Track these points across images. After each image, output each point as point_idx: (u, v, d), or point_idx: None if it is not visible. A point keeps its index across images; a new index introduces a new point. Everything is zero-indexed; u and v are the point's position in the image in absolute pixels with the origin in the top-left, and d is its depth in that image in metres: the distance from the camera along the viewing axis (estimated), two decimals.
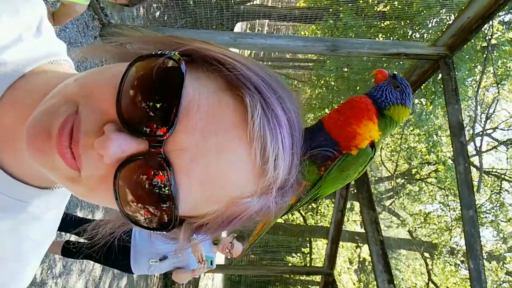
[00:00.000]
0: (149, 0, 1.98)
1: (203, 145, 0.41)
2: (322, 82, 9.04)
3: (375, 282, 4.22)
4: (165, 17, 6.28)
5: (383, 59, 6.41)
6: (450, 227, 10.84)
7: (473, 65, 6.83)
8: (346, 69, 7.70)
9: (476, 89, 7.87)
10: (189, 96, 0.41)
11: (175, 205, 0.42)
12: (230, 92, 0.44)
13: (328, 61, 7.59)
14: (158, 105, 0.41)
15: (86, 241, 3.23)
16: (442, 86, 3.54)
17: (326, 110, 8.55)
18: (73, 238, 3.46)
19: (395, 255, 13.89)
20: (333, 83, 8.66)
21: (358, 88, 7.54)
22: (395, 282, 4.13)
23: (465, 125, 3.34)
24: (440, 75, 3.93)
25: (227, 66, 0.44)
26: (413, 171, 11.45)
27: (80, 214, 3.95)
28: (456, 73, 3.74)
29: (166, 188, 0.42)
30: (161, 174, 0.41)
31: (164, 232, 0.46)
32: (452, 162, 8.59)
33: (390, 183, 13.09)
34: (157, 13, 6.05)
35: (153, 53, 0.43)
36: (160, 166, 0.41)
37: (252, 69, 0.45)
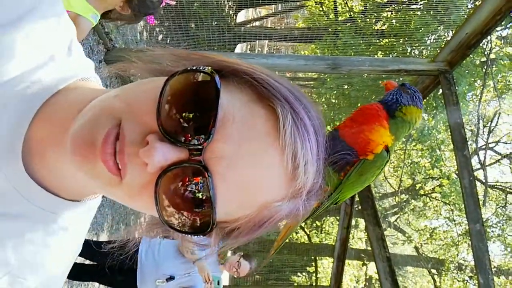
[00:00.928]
0: (156, 10, 1.97)
1: (239, 152, 0.44)
2: (323, 99, 9.11)
3: None
4: (168, 40, 6.40)
5: (384, 76, 6.48)
6: (457, 242, 10.71)
7: (473, 79, 6.89)
8: (346, 87, 7.77)
9: (477, 103, 7.91)
10: (224, 108, 0.44)
11: (213, 209, 0.45)
12: (261, 103, 0.47)
13: (328, 79, 7.67)
14: (196, 117, 0.44)
15: (91, 262, 3.22)
16: (443, 101, 3.57)
17: (328, 127, 8.59)
18: (78, 260, 3.44)
19: (402, 272, 13.68)
20: (334, 101, 8.72)
21: (359, 104, 7.58)
22: None
23: (467, 139, 3.36)
24: (440, 90, 3.97)
25: (256, 78, 0.48)
26: (417, 186, 11.40)
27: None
28: (457, 87, 3.78)
29: (205, 193, 0.45)
30: (200, 180, 0.45)
31: (198, 237, 0.48)
32: (456, 177, 8.56)
33: (394, 199, 13.01)
34: (160, 37, 6.17)
35: (188, 68, 0.46)
36: (200, 172, 0.44)
37: (279, 81, 0.49)
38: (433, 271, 11.70)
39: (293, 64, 3.87)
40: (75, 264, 3.22)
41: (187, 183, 0.45)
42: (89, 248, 2.79)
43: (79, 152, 0.45)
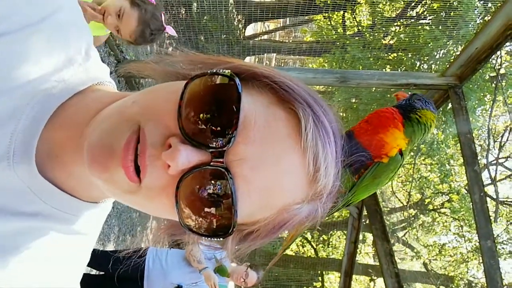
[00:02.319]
0: (156, 40, 2.00)
1: (261, 155, 0.44)
2: None
3: None
4: (177, 53, 6.47)
5: (392, 89, 6.47)
6: (467, 259, 10.53)
7: (482, 94, 6.85)
8: (354, 100, 7.77)
9: (487, 118, 7.86)
10: (245, 110, 0.44)
11: (234, 212, 0.44)
12: (282, 105, 0.47)
13: (336, 93, 7.68)
14: (217, 119, 0.44)
15: (98, 272, 3.21)
16: (452, 115, 3.56)
17: None
18: (85, 270, 3.43)
19: None
20: (342, 114, 8.72)
21: None
22: None
23: (477, 154, 3.33)
24: (450, 105, 3.95)
25: (276, 81, 0.48)
26: (426, 201, 11.27)
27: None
28: (466, 102, 3.77)
29: (226, 196, 0.44)
30: (222, 182, 0.44)
31: (214, 239, 0.47)
32: (466, 192, 8.46)
33: (402, 213, 12.86)
34: (170, 49, 6.24)
35: (208, 71, 0.46)
36: (222, 175, 0.44)
37: (298, 84, 0.49)
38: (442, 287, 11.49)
39: (302, 77, 3.87)
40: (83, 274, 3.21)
41: (208, 186, 0.45)
42: (96, 258, 2.78)
43: (98, 161, 0.45)
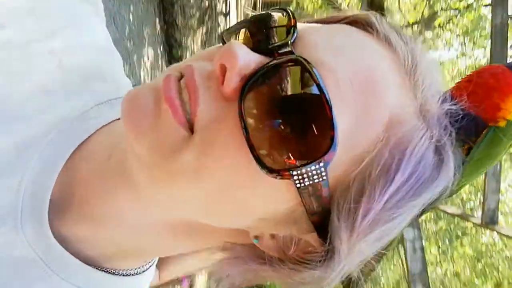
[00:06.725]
0: None
1: (342, 42, 0.35)
2: None
3: None
4: None
5: None
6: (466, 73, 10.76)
7: None
8: None
9: None
10: None
11: (331, 119, 0.29)
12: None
13: None
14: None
15: None
16: None
17: None
18: None
19: None
20: None
21: None
22: None
23: None
24: None
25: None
26: (436, 17, 10.83)
27: None
28: None
29: (314, 96, 0.30)
30: (299, 78, 0.31)
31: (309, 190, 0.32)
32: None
33: (404, 30, 12.53)
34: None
35: None
36: (297, 68, 0.31)
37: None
38: None
39: None
40: None
41: (283, 87, 0.32)
42: None
43: (136, 109, 0.33)
